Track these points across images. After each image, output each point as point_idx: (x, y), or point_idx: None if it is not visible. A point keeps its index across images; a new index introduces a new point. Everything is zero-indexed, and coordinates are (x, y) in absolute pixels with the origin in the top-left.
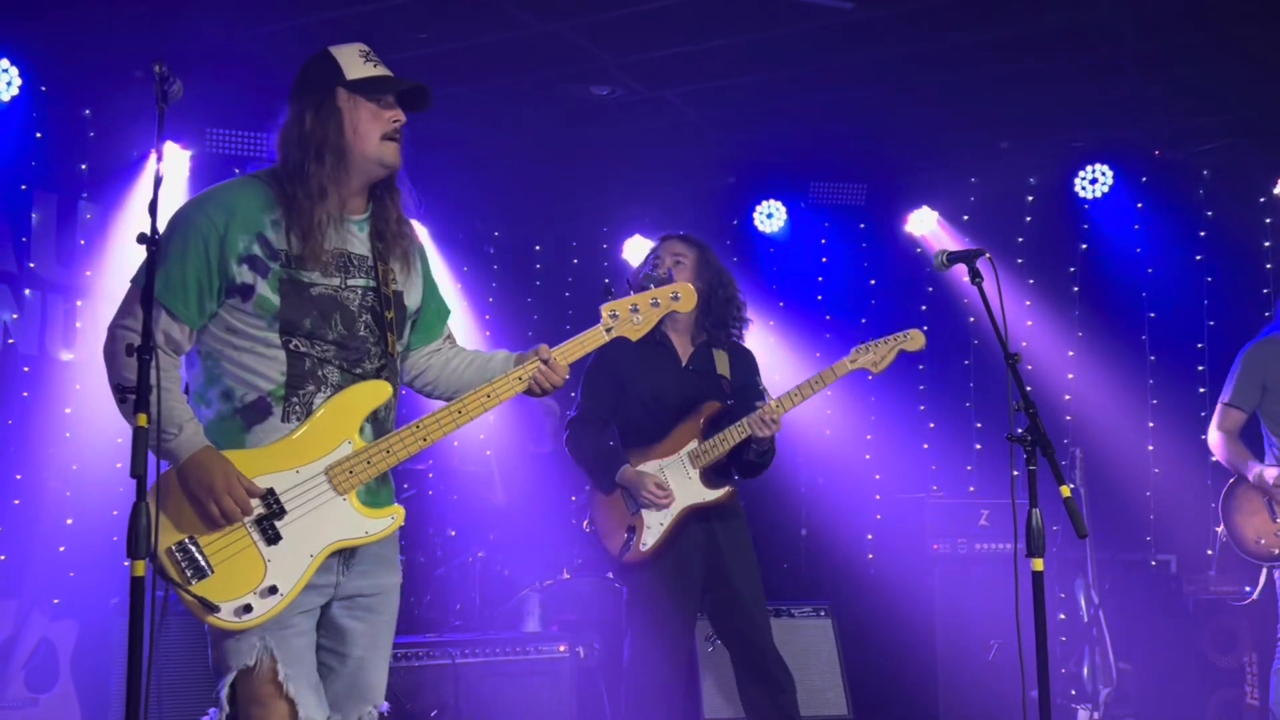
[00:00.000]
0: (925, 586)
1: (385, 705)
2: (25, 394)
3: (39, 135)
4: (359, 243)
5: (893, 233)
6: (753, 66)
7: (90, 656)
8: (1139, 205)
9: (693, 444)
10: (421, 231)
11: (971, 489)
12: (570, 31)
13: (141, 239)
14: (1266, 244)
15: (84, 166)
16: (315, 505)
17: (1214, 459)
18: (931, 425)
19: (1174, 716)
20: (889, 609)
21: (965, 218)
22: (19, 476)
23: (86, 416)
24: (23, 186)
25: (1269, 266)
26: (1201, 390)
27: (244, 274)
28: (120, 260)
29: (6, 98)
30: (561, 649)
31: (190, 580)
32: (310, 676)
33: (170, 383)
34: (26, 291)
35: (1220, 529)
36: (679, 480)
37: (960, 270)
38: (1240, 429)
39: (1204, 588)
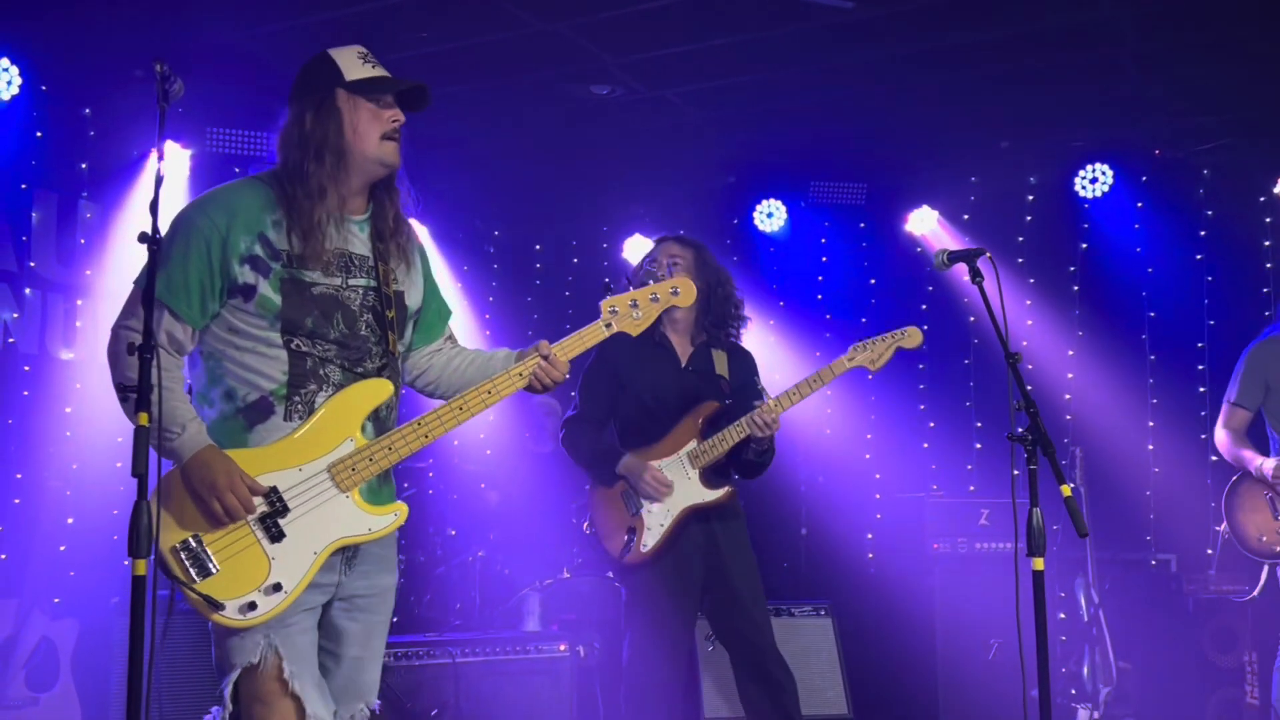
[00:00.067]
0: (925, 586)
1: (377, 703)
2: (25, 393)
3: (39, 134)
4: (360, 243)
5: (893, 232)
6: (753, 66)
7: (91, 656)
8: (1139, 205)
9: (692, 444)
10: (421, 231)
11: (971, 488)
12: (570, 31)
13: (142, 238)
14: (1266, 243)
15: (84, 166)
16: (318, 503)
17: (1214, 458)
18: (932, 425)
19: (1174, 716)
20: (889, 608)
21: (965, 217)
22: (19, 475)
23: (87, 416)
24: (23, 185)
25: (1269, 266)
26: (1201, 390)
27: (246, 274)
28: (120, 259)
29: (7, 97)
30: (561, 648)
31: (195, 578)
32: (314, 674)
33: (173, 382)
34: (27, 290)
35: (1223, 527)
36: (679, 480)
37: (960, 269)
38: (1246, 427)
39: (1204, 587)
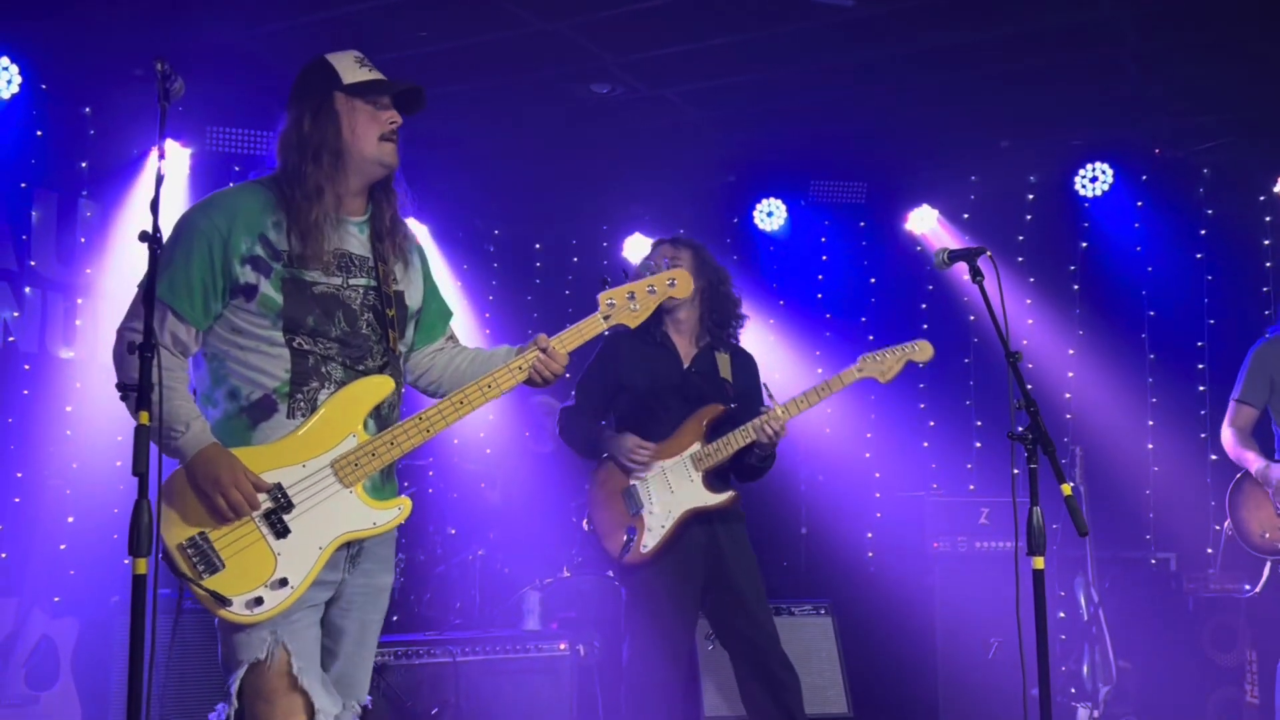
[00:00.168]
0: (925, 585)
1: (368, 700)
2: (26, 392)
3: (39, 133)
4: (359, 243)
5: (893, 231)
6: (753, 65)
7: (91, 655)
8: (1139, 204)
9: (696, 446)
10: (421, 230)
11: (971, 487)
12: (570, 30)
13: (143, 237)
14: (1266, 242)
15: (84, 164)
16: (322, 498)
17: (1214, 457)
18: (931, 424)
19: (1174, 714)
20: (889, 607)
21: (965, 216)
22: (20, 474)
23: (87, 414)
24: (23, 184)
25: (1269, 265)
26: (1201, 389)
27: (247, 274)
28: (121, 258)
29: (7, 95)
30: (562, 647)
31: (202, 575)
32: (319, 670)
33: (177, 382)
34: (27, 289)
35: (1226, 524)
36: (681, 483)
37: (961, 268)
38: (1252, 425)
39: (1204, 585)
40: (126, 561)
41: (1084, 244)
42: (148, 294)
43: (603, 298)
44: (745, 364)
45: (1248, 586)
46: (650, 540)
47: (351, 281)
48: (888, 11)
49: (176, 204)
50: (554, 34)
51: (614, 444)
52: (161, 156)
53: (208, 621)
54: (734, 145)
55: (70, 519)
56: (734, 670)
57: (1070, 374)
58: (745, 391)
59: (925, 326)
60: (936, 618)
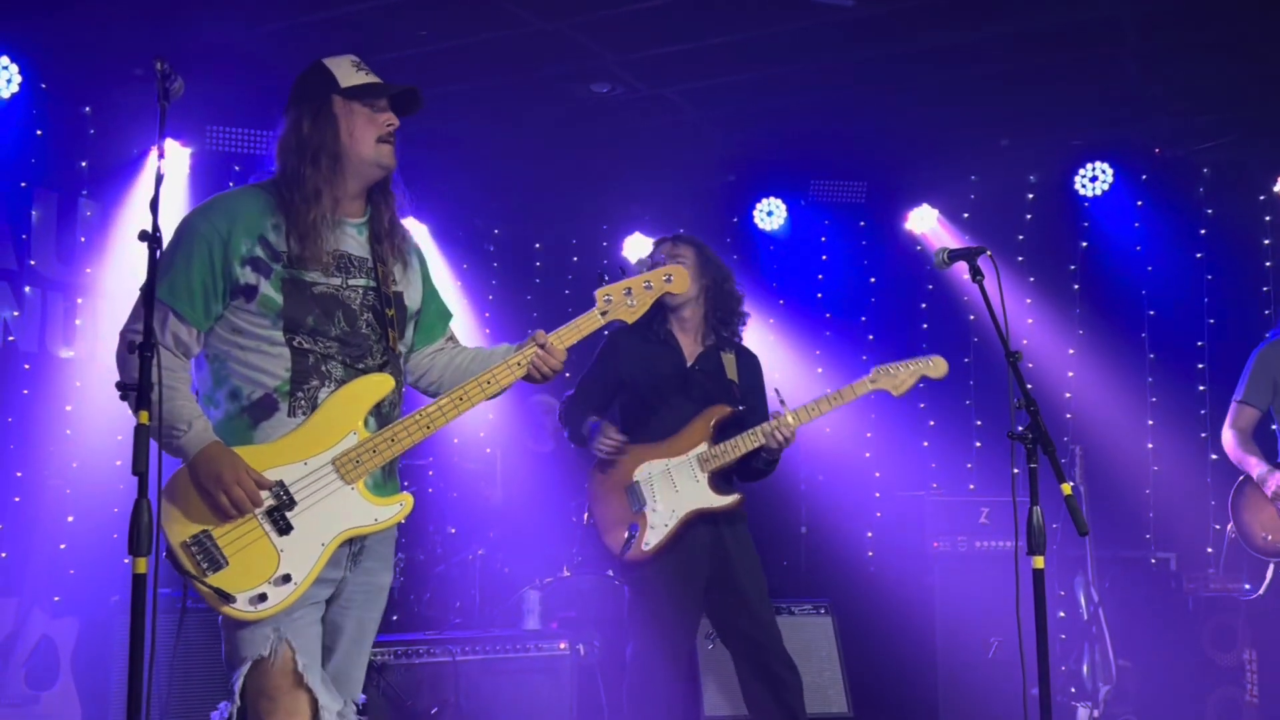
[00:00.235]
0: (925, 584)
1: (363, 697)
2: (25, 391)
3: (39, 133)
4: (358, 245)
5: (893, 230)
6: (753, 64)
7: (91, 654)
8: (1139, 203)
9: (702, 447)
10: (421, 229)
11: (971, 487)
12: (570, 29)
13: (143, 236)
14: (1266, 242)
15: (84, 164)
16: (324, 495)
17: (1214, 457)
18: (931, 423)
19: (1173, 714)
20: (889, 606)
21: (965, 215)
22: (19, 474)
23: (87, 414)
24: (23, 184)
25: (1269, 264)
26: (1201, 388)
27: (247, 275)
28: (120, 258)
29: (6, 95)
30: (562, 646)
31: (206, 572)
32: (320, 668)
33: (178, 382)
34: (27, 289)
35: (1229, 526)
36: (686, 482)
37: (961, 268)
38: (1253, 427)
39: (1204, 585)
40: (126, 561)
41: (1084, 243)
42: (147, 294)
43: (600, 294)
44: (750, 364)
45: (1248, 586)
46: (653, 538)
47: (351, 282)
48: (888, 11)
49: (176, 203)
50: (554, 33)
51: (592, 432)
52: (161, 156)
53: (211, 621)
54: (734, 145)
55: (70, 518)
56: (735, 669)
57: (1070, 374)
58: (749, 392)
59: (925, 326)
60: (936, 617)
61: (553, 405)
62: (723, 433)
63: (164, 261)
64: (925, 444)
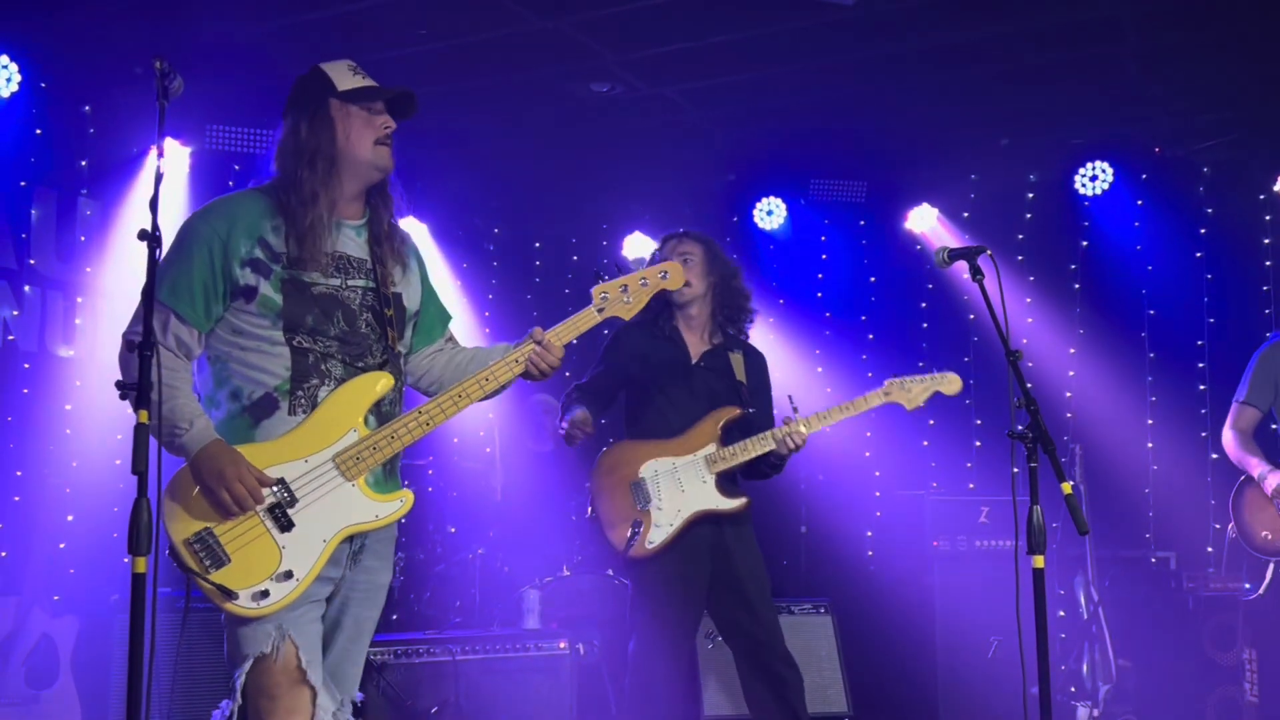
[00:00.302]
0: (925, 583)
1: (360, 696)
2: (25, 390)
3: (39, 131)
4: (357, 246)
5: (893, 230)
6: (753, 63)
7: (91, 653)
8: (1139, 202)
9: (710, 448)
10: (421, 229)
11: (971, 486)
12: (570, 28)
13: (142, 235)
14: (1266, 241)
15: (84, 163)
16: (325, 492)
17: (1214, 456)
18: (931, 422)
19: (1173, 713)
20: (889, 606)
21: (965, 215)
22: (19, 473)
23: (87, 413)
24: (22, 183)
25: (1269, 264)
26: (1201, 388)
27: (247, 276)
28: (120, 257)
29: (6, 94)
30: (562, 646)
31: (208, 569)
32: (321, 666)
33: (180, 382)
34: (26, 288)
35: (1230, 526)
36: (693, 482)
37: (961, 267)
38: (1254, 428)
39: (1203, 584)
40: (126, 560)
41: (1084, 243)
42: (147, 293)
43: (596, 291)
44: (757, 364)
45: (1248, 586)
46: (657, 537)
47: (350, 282)
48: (888, 10)
49: (176, 203)
50: (554, 32)
51: (567, 413)
52: (160, 155)
53: (212, 620)
54: (734, 144)
55: (70, 517)
56: (737, 668)
57: (1070, 373)
58: (756, 393)
59: (925, 325)
60: (936, 616)
61: (553, 404)
62: (729, 434)
63: (165, 264)
64: (925, 443)
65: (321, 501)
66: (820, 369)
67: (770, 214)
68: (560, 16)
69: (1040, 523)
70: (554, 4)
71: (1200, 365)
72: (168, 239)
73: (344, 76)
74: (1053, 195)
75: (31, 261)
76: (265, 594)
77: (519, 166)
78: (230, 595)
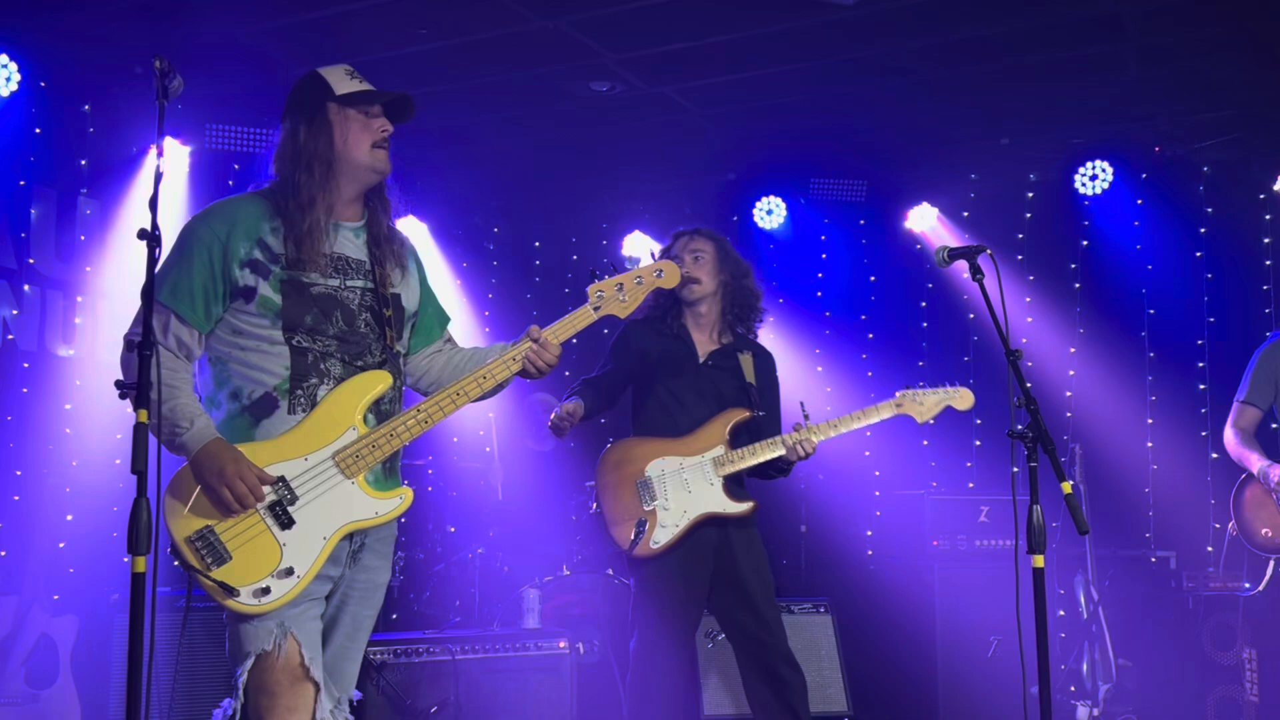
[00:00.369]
0: (925, 583)
1: (358, 694)
2: (25, 390)
3: (38, 131)
4: (355, 247)
5: (893, 229)
6: (753, 62)
7: (90, 653)
8: (1139, 202)
9: (719, 450)
10: (421, 228)
11: (971, 485)
12: (570, 27)
13: (142, 235)
14: (1267, 240)
15: (84, 162)
16: (325, 489)
17: (1214, 455)
18: (931, 421)
19: (1173, 712)
20: (889, 605)
21: (965, 214)
22: (19, 472)
23: (86, 412)
24: (21, 182)
25: (1269, 263)
26: (1201, 387)
27: (246, 277)
28: (120, 256)
29: (6, 93)
30: (561, 645)
31: (210, 566)
32: (322, 663)
33: (181, 381)
34: (26, 287)
35: (1230, 525)
36: (700, 484)
37: (961, 266)
38: (1255, 427)
39: (1203, 584)
40: (126, 559)
41: (1084, 242)
42: (146, 292)
43: (592, 290)
44: (766, 366)
45: (1248, 585)
46: (662, 537)
47: (349, 283)
48: (888, 10)
49: (176, 202)
50: (554, 31)
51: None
52: (160, 154)
53: (213, 620)
54: (734, 143)
55: (70, 517)
56: (739, 668)
57: (1070, 372)
58: (764, 393)
59: (925, 325)
60: (936, 616)
61: (552, 403)
62: (738, 436)
63: (165, 266)
64: (925, 443)
65: (322, 499)
66: (820, 368)
67: (770, 213)
68: (560, 16)
69: (1040, 522)
70: (554, 3)
71: (1200, 365)
72: (168, 239)
73: (341, 81)
74: (1053, 195)
75: (31, 261)
76: (266, 591)
77: (519, 165)
78: (231, 592)
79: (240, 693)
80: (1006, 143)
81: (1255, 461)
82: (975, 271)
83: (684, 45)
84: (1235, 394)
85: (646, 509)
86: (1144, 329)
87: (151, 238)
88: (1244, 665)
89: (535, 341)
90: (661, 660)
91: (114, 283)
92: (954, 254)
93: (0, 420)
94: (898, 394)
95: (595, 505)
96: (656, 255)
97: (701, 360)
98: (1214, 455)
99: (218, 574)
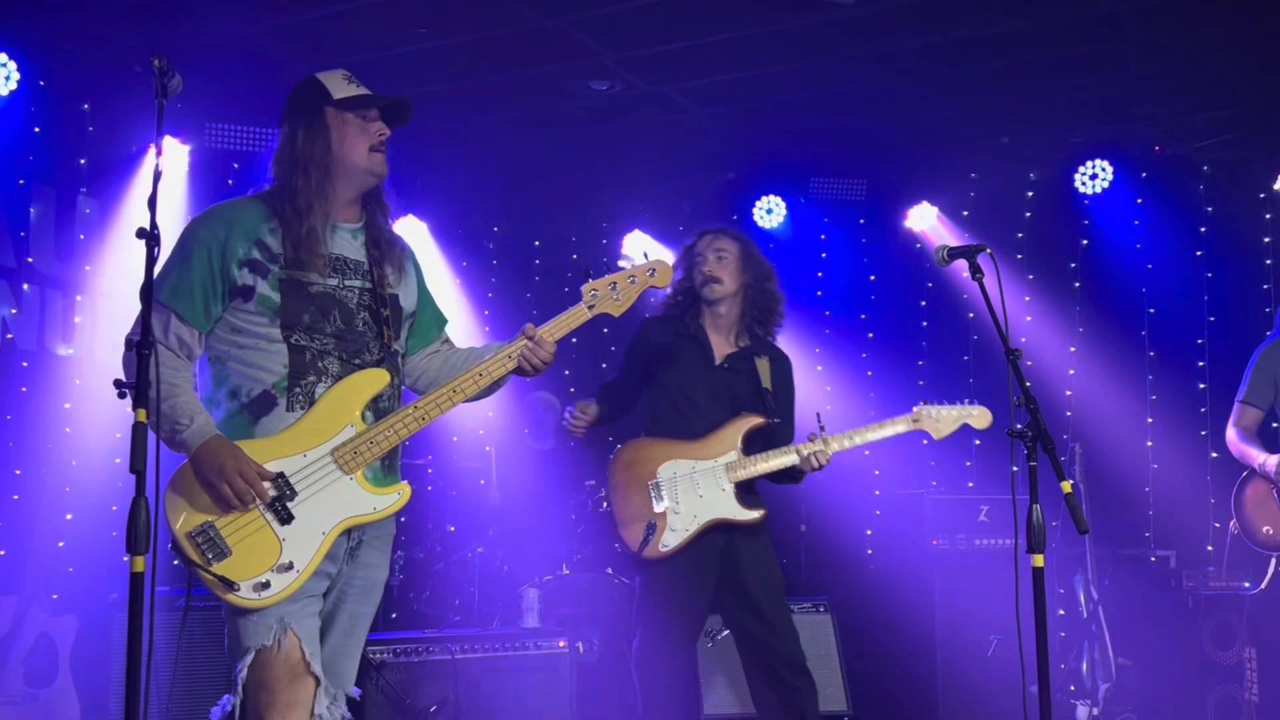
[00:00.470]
0: (925, 582)
1: (357, 691)
2: (24, 389)
3: (38, 130)
4: (354, 249)
5: (892, 228)
6: (753, 61)
7: (90, 652)
8: (1139, 201)
9: (732, 455)
10: (421, 227)
11: (971, 484)
12: (570, 26)
13: (141, 234)
14: (1267, 240)
15: (83, 161)
16: (324, 485)
17: (1214, 455)
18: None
19: (1173, 712)
20: (889, 605)
21: (965, 213)
22: (18, 472)
23: (86, 412)
24: (21, 181)
25: (1269, 262)
26: (1201, 386)
27: (244, 276)
28: (119, 255)
29: (5, 92)
30: (561, 644)
31: (210, 562)
32: (320, 659)
33: (181, 380)
34: (25, 286)
35: (1232, 523)
36: (711, 489)
37: (960, 266)
38: (1257, 426)
39: (1203, 583)
40: (125, 559)
41: (1084, 241)
42: (145, 292)
43: (586, 289)
44: (782, 371)
45: (1248, 584)
46: (671, 540)
47: (347, 283)
48: (888, 8)
49: (175, 201)
50: (553, 30)
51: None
52: (159, 153)
53: (213, 618)
54: (733, 142)
55: (69, 516)
56: (745, 672)
57: (1070, 371)
58: (778, 397)
59: (925, 324)
60: (936, 615)
61: (552, 402)
62: (751, 441)
63: (165, 267)
64: (925, 442)
65: (320, 495)
66: (820, 367)
67: (770, 212)
68: (560, 15)
69: (1040, 521)
70: (554, 2)
71: (1200, 364)
72: (167, 238)
73: (339, 85)
74: (1052, 194)
75: (30, 260)
76: (266, 585)
77: (519, 165)
78: (231, 586)
79: (239, 689)
80: (1006, 142)
81: (1255, 456)
82: (975, 271)
83: (684, 44)
84: (1235, 394)
85: (657, 511)
86: (1144, 328)
87: (150, 237)
88: (1244, 665)
89: (530, 339)
90: (663, 661)
91: (113, 282)
92: (954, 253)
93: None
94: (915, 409)
95: (605, 504)
96: (679, 251)
97: (717, 362)
98: (1214, 454)
99: (218, 568)
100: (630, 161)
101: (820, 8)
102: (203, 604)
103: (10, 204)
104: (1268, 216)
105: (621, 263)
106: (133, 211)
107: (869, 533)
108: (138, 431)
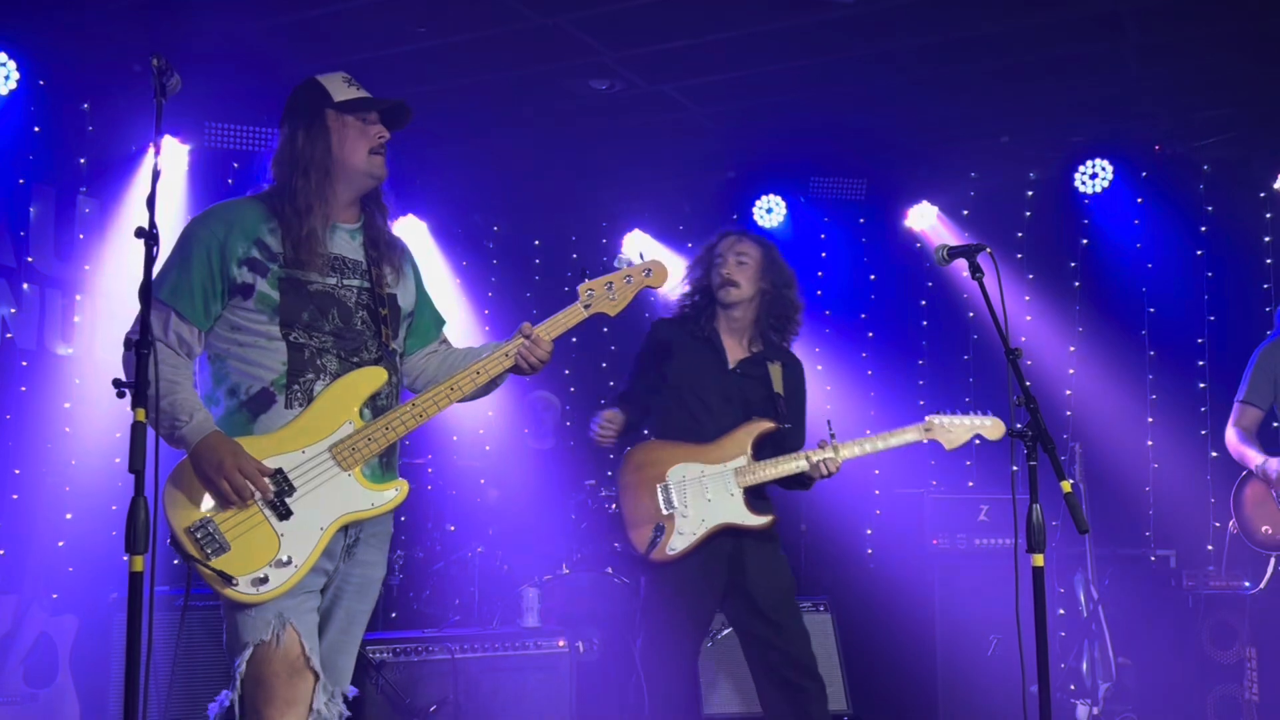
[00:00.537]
0: (925, 582)
1: (354, 690)
2: (23, 388)
3: (37, 129)
4: (353, 249)
5: (892, 228)
6: (753, 60)
7: (89, 651)
8: (1139, 200)
9: (741, 460)
10: (421, 226)
11: (971, 484)
12: (569, 25)
13: (140, 233)
14: (1267, 239)
15: (82, 160)
16: (322, 481)
17: (1214, 454)
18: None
19: (1173, 711)
20: (888, 604)
21: (965, 213)
22: (18, 471)
23: (85, 411)
24: (20, 181)
25: (1269, 262)
26: (1201, 386)
27: (244, 275)
28: (119, 255)
29: (4, 91)
30: (560, 644)
31: (209, 557)
32: (318, 655)
33: (181, 377)
34: (25, 286)
35: (1231, 523)
36: (720, 493)
37: (960, 265)
38: (1257, 426)
39: (1203, 583)
40: (125, 558)
41: (1084, 241)
42: (144, 290)
43: (583, 288)
44: (794, 377)
45: (1247, 584)
46: (678, 544)
47: (346, 282)
48: (887, 7)
49: (175, 200)
50: (553, 29)
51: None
52: (158, 153)
53: (211, 618)
54: (733, 141)
55: (69, 516)
56: (752, 675)
57: (1070, 371)
58: (790, 402)
59: (925, 324)
60: (936, 615)
61: (552, 401)
62: (761, 447)
63: (165, 267)
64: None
65: (319, 491)
66: (820, 367)
67: (770, 212)
68: (560, 13)
69: (1040, 521)
70: (554, 1)
71: (1200, 363)
72: (166, 237)
73: (339, 88)
74: (1052, 193)
75: (30, 259)
76: (265, 580)
77: (519, 164)
78: (230, 581)
79: (238, 684)
80: (1006, 141)
81: (1254, 458)
82: (975, 270)
83: (684, 43)
84: (1235, 393)
85: (665, 514)
86: (1144, 328)
87: (149, 236)
88: (1244, 664)
89: (527, 338)
90: (665, 663)
91: (113, 281)
92: (954, 252)
93: None
94: (927, 419)
95: (614, 505)
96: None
97: (730, 367)
98: (1214, 454)
99: (216, 563)
100: (630, 161)
101: (820, 7)
102: (202, 603)
103: (10, 203)
104: (1268, 216)
105: (618, 263)
106: (132, 211)
107: (869, 532)
108: (137, 431)
